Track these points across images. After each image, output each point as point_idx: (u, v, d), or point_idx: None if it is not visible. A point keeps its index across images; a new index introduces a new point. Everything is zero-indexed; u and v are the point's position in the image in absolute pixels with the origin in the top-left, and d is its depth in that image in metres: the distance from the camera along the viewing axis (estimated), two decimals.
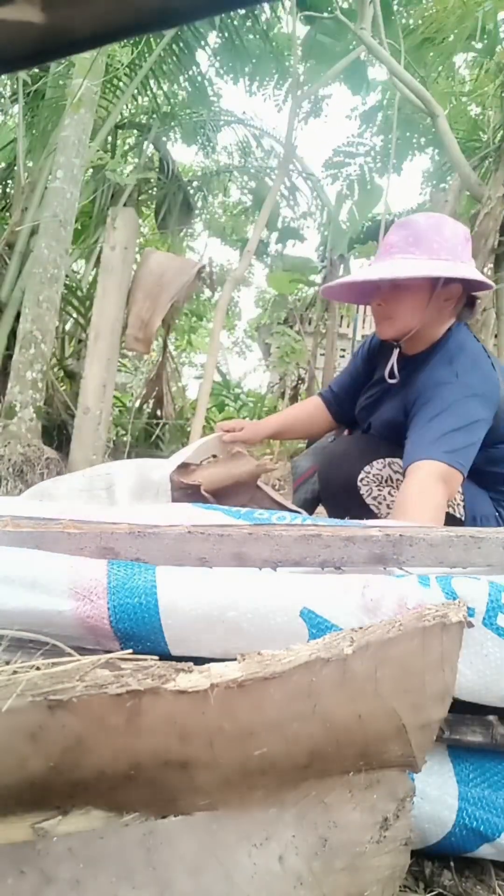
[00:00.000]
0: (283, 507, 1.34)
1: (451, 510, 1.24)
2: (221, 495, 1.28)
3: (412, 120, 5.12)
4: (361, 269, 1.42)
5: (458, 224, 1.25)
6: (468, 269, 1.20)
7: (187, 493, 1.20)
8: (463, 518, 1.25)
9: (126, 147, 5.48)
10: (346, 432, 1.64)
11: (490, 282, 1.20)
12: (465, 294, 1.26)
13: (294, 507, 1.36)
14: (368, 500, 1.23)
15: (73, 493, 1.17)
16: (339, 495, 1.28)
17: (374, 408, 1.40)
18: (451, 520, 1.22)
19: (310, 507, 1.52)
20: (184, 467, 1.25)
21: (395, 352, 1.33)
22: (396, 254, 1.21)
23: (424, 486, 1.07)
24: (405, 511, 1.04)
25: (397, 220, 1.42)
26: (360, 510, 1.24)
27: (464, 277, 1.19)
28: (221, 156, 6.77)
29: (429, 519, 1.03)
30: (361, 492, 1.23)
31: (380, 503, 1.24)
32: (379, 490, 1.23)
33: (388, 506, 1.23)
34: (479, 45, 4.44)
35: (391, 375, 1.33)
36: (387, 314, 1.26)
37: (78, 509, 0.90)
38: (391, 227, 1.29)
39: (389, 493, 1.23)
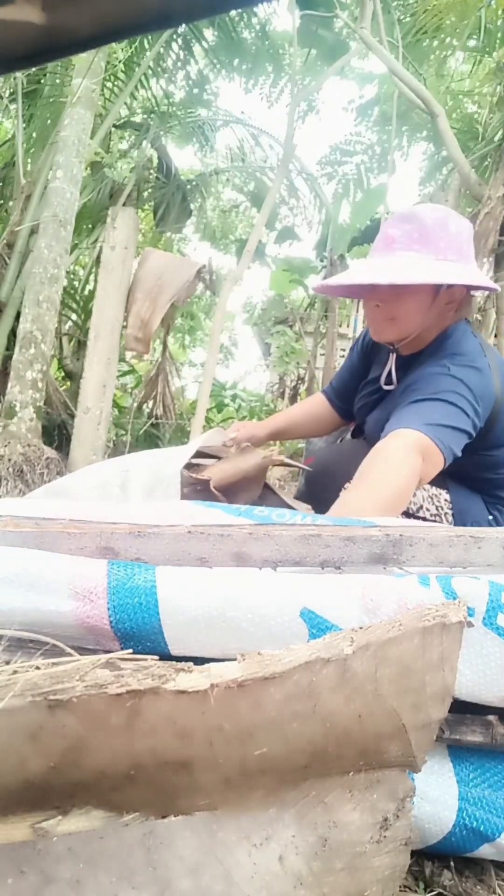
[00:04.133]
0: (288, 507, 1.35)
1: (437, 519, 1.22)
2: (231, 491, 1.29)
3: (408, 117, 5.11)
4: (361, 268, 1.26)
5: (462, 218, 1.16)
6: (478, 274, 1.14)
7: (197, 489, 1.20)
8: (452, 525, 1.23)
9: (124, 146, 5.47)
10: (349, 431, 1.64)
11: (495, 285, 1.14)
12: (468, 295, 1.20)
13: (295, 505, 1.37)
14: None
15: (88, 490, 1.17)
16: (329, 501, 1.28)
17: (370, 409, 1.38)
18: None
19: None
20: (194, 466, 1.26)
21: (392, 356, 1.26)
22: (399, 249, 1.11)
23: (396, 450, 0.98)
24: (369, 471, 0.96)
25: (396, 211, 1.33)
26: None
27: (476, 285, 1.12)
28: (219, 157, 6.75)
29: (394, 485, 0.94)
30: None
31: None
32: None
33: None
34: (477, 44, 4.43)
35: (388, 381, 1.28)
36: (388, 316, 1.18)
37: (78, 508, 0.90)
38: (391, 218, 1.18)
39: None
